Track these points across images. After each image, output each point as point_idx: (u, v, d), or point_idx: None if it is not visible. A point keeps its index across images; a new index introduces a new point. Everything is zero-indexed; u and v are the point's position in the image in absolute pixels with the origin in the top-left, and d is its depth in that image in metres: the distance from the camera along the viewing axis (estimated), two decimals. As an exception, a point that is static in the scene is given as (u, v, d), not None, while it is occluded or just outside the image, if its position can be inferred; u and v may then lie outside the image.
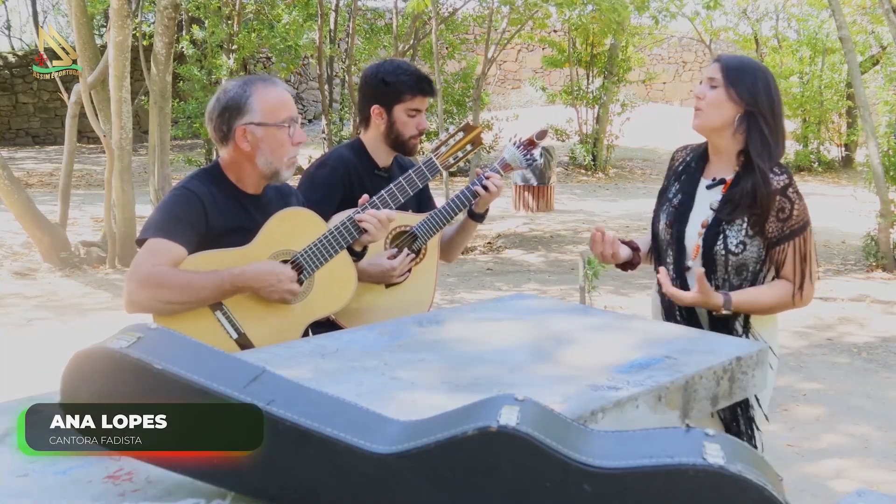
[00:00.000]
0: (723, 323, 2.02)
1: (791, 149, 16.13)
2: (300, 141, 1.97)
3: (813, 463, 3.55)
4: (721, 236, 1.99)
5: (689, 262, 2.05)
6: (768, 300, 1.99)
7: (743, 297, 1.98)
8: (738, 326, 2.04)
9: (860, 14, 14.04)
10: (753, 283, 2.02)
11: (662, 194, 2.17)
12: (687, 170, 2.13)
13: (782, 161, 2.07)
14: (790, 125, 16.83)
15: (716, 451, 0.77)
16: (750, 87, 1.98)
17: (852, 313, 6.16)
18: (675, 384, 1.29)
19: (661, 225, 2.12)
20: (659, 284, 2.09)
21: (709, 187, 2.06)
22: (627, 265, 2.18)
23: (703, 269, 1.98)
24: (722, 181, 2.04)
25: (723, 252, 1.99)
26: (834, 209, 11.06)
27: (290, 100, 1.98)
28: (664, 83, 20.80)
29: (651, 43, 17.01)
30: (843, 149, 16.61)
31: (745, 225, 1.98)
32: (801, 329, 5.71)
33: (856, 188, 8.88)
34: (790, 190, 1.95)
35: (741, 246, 1.99)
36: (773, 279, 2.03)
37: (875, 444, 3.75)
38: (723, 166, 2.06)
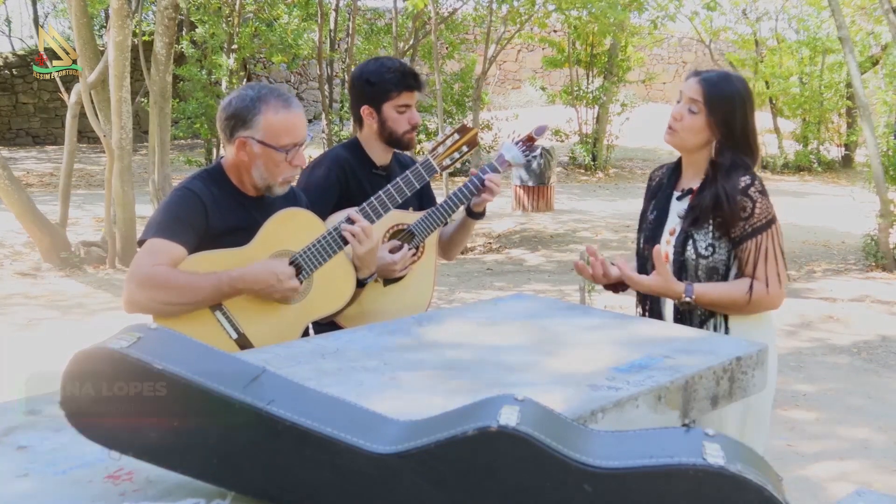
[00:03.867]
0: (686, 321, 2.04)
1: (791, 149, 16.15)
2: (299, 164, 1.96)
3: (813, 463, 3.55)
4: (690, 241, 2.03)
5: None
6: (730, 295, 1.99)
7: (706, 288, 2.00)
8: (712, 327, 2.04)
9: (860, 14, 14.03)
10: None
11: (643, 216, 2.22)
12: (661, 187, 2.19)
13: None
14: (790, 125, 16.85)
15: (716, 451, 0.77)
16: (729, 116, 2.00)
17: (852, 313, 6.16)
18: (675, 384, 1.29)
19: (641, 244, 2.17)
20: (641, 298, 2.16)
21: (679, 198, 2.11)
22: (618, 286, 2.19)
23: (658, 246, 2.01)
24: (690, 191, 2.08)
25: (693, 257, 2.03)
26: (834, 209, 11.06)
27: (298, 125, 1.94)
28: (664, 83, 20.80)
29: (651, 43, 17.01)
30: (843, 149, 16.61)
31: (710, 228, 2.01)
32: (800, 329, 5.72)
33: (854, 188, 8.89)
34: (752, 189, 1.97)
35: (710, 248, 2.02)
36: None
37: (875, 445, 3.75)
38: (693, 177, 2.10)
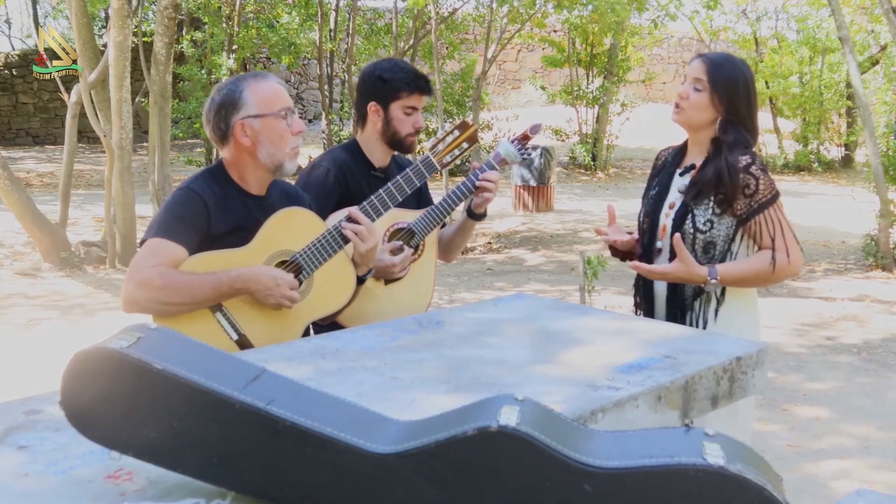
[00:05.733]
0: (679, 312, 2.11)
1: (791, 149, 16.14)
2: (299, 130, 1.97)
3: (813, 463, 3.55)
4: (689, 216, 2.08)
5: (659, 243, 2.15)
6: (753, 269, 2.05)
7: (729, 267, 2.05)
8: (696, 318, 2.10)
9: (860, 14, 14.04)
10: (723, 260, 2.09)
11: (646, 192, 2.29)
12: (665, 165, 2.26)
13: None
14: (790, 125, 16.85)
15: (716, 451, 0.77)
16: (732, 94, 2.07)
17: (852, 313, 6.16)
18: (675, 384, 1.29)
19: (641, 217, 2.23)
20: (636, 282, 2.24)
21: (681, 174, 2.17)
22: (628, 254, 2.26)
23: (679, 235, 2.06)
24: (692, 167, 2.15)
25: (691, 231, 2.08)
26: (834, 209, 11.06)
27: (282, 91, 1.97)
28: (664, 83, 20.80)
29: (651, 43, 17.01)
30: (843, 149, 16.61)
31: (711, 204, 2.07)
32: (801, 329, 5.72)
33: (855, 188, 8.88)
34: (753, 167, 2.04)
35: (708, 224, 2.07)
36: (746, 255, 2.11)
37: (875, 444, 3.75)
38: (697, 155, 2.17)
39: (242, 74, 2.00)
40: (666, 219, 2.14)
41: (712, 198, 2.06)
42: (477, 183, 2.30)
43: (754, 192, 2.03)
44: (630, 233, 2.28)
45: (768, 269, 2.03)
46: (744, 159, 2.04)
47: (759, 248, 2.07)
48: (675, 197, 2.15)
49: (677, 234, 2.05)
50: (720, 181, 2.03)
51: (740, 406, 2.01)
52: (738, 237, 2.08)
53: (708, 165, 2.08)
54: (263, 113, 1.91)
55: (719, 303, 2.10)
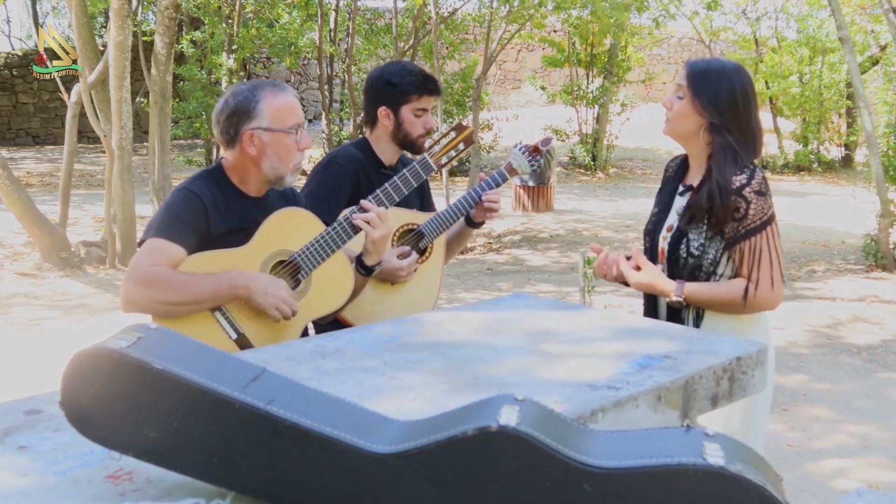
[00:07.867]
0: (672, 316, 2.04)
1: (791, 149, 16.14)
2: (306, 147, 1.98)
3: (813, 463, 3.55)
4: (684, 240, 2.01)
5: (659, 266, 2.08)
6: (721, 297, 1.97)
7: (697, 288, 1.98)
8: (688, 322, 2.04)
9: (860, 14, 14.04)
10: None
11: (654, 207, 2.22)
12: (668, 180, 2.17)
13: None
14: (790, 125, 16.85)
15: (716, 451, 0.77)
16: (713, 97, 1.95)
17: (852, 313, 6.16)
18: (675, 384, 1.29)
19: (644, 234, 2.18)
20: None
21: (680, 194, 2.09)
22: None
23: (640, 248, 2.03)
24: (690, 187, 2.06)
25: (685, 255, 2.01)
26: (834, 209, 11.06)
27: (297, 106, 1.98)
28: (664, 83, 20.78)
29: (651, 43, 17.00)
30: (843, 149, 16.61)
31: (704, 228, 1.98)
32: (801, 329, 5.71)
33: (855, 188, 8.88)
34: (747, 189, 1.92)
35: (701, 248, 1.99)
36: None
37: (875, 444, 3.75)
38: (697, 173, 2.06)
39: (261, 81, 2.00)
40: (664, 241, 2.06)
41: (706, 221, 1.97)
42: (485, 203, 2.36)
43: (743, 216, 1.92)
44: (628, 257, 2.16)
45: (739, 300, 1.94)
46: (738, 180, 1.92)
47: (738, 276, 1.98)
48: (673, 219, 2.06)
49: (635, 246, 2.01)
50: (711, 204, 1.93)
51: (754, 408, 1.99)
52: (723, 260, 1.99)
53: (703, 188, 1.97)
54: (275, 127, 1.92)
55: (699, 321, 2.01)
